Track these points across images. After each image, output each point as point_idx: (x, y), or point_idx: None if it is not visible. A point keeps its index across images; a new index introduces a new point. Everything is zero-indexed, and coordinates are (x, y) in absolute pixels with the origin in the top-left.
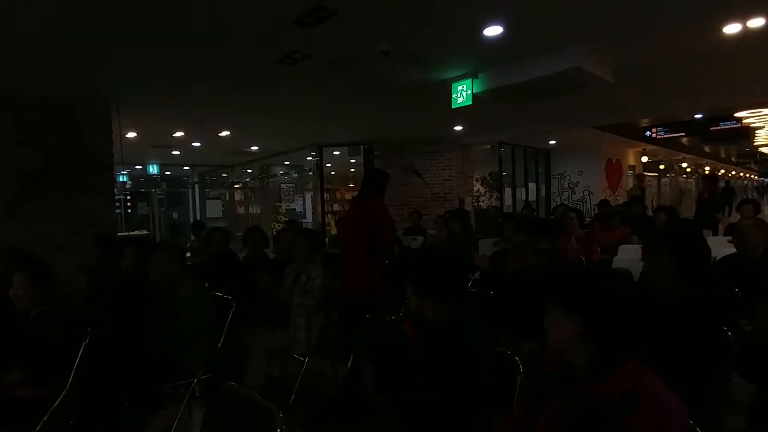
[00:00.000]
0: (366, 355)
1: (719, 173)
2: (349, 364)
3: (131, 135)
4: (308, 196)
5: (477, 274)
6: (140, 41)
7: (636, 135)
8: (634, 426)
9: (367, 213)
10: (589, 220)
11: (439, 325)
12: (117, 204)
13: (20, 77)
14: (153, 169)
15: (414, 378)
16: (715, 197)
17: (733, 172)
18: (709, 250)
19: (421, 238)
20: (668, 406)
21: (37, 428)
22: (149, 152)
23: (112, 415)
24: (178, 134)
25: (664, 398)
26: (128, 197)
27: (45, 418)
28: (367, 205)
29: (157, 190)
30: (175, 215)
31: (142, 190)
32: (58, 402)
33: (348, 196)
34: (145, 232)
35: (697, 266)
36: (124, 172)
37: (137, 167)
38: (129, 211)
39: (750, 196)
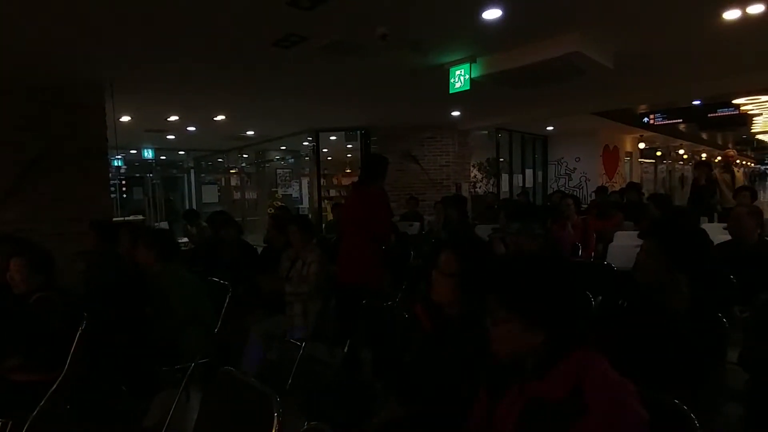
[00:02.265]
0: (364, 340)
1: (716, 159)
2: (346, 349)
3: (125, 119)
4: (304, 182)
5: None
6: (133, 22)
7: (633, 121)
8: (583, 429)
9: (366, 199)
10: (586, 206)
11: (459, 316)
12: (112, 189)
13: (14, 62)
14: (148, 154)
15: (424, 363)
16: (710, 184)
17: None
18: (704, 240)
19: (417, 224)
20: (619, 403)
21: (34, 413)
22: (144, 136)
23: (110, 400)
24: (173, 118)
25: (613, 391)
26: (123, 182)
27: (42, 402)
28: (367, 192)
29: (153, 174)
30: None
31: (137, 175)
32: (55, 387)
33: (345, 181)
34: (140, 217)
35: (689, 257)
36: (119, 157)
37: (132, 152)
38: (124, 196)
39: (745, 183)
